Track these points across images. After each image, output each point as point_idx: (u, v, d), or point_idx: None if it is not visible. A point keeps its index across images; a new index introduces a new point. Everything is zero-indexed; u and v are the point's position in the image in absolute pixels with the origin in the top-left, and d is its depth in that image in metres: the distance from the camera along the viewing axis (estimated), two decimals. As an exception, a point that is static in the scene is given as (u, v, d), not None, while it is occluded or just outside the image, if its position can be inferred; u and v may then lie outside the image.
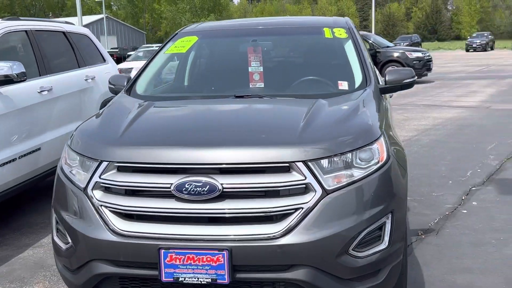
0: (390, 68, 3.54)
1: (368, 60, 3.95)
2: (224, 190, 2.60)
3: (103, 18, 58.60)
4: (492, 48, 51.17)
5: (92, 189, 2.81)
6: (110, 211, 2.75)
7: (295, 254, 2.57)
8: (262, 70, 3.96)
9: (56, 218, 3.05)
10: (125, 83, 4.09)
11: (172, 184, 2.64)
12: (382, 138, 2.90)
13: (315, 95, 3.54)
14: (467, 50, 48.69)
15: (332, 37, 4.13)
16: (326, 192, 2.62)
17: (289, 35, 4.38)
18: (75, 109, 5.78)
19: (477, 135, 8.81)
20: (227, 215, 2.62)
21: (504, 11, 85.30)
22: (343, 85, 3.67)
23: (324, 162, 2.66)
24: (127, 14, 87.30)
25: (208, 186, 2.60)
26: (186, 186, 2.62)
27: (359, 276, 2.69)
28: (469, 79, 20.11)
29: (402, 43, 38.51)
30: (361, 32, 19.91)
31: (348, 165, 2.72)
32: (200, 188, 2.61)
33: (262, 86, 3.87)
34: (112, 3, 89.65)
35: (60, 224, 3.00)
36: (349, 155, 2.73)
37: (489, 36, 52.24)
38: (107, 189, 2.80)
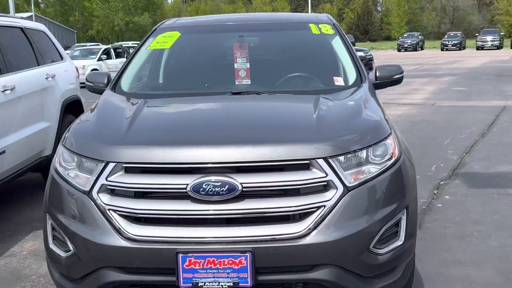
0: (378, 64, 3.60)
1: (357, 56, 3.94)
2: (244, 189, 2.50)
3: (31, 16, 56.38)
4: (422, 48, 53.04)
5: (97, 192, 2.63)
6: (119, 215, 2.59)
7: (319, 254, 2.50)
8: (248, 66, 3.86)
9: (52, 224, 2.84)
10: (105, 81, 3.90)
11: (188, 184, 2.51)
12: (393, 134, 2.89)
13: (313, 91, 3.49)
14: (399, 50, 50.20)
15: (319, 33, 4.09)
16: (347, 189, 2.57)
17: (276, 31, 4.30)
18: (37, 110, 5.47)
19: (430, 130, 9.05)
20: (248, 216, 2.51)
21: (431, 12, 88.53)
22: (339, 81, 3.64)
23: (344, 159, 2.61)
24: (56, 12, 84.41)
25: (227, 186, 2.49)
26: (204, 186, 2.49)
27: (379, 274, 2.65)
28: (407, 77, 20.66)
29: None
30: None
31: (365, 161, 2.68)
32: (219, 188, 2.49)
33: (249, 83, 3.77)
34: (40, 1, 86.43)
35: (57, 231, 2.80)
36: (366, 151, 2.69)
37: (419, 37, 54.11)
38: (114, 192, 2.63)
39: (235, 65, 3.87)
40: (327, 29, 4.12)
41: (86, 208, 2.65)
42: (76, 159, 2.80)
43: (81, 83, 6.16)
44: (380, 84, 3.83)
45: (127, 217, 2.58)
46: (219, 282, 2.50)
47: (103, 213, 2.60)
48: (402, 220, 2.73)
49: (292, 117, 3.03)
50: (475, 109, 11.35)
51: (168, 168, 2.59)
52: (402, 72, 3.88)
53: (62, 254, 2.77)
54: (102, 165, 2.64)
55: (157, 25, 4.39)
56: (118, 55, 25.00)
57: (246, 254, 2.46)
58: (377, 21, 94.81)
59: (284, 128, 2.84)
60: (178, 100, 3.49)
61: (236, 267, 2.48)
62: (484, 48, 47.71)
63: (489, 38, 48.37)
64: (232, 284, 2.49)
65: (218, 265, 2.48)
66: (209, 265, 2.49)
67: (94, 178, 2.65)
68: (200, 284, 2.50)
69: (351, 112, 3.04)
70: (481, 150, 7.45)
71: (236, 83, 3.78)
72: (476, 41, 49.38)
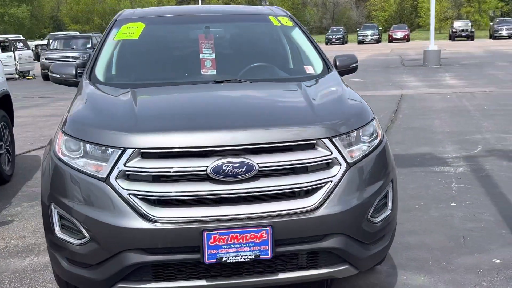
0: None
1: None
2: (260, 169, 2.70)
3: None
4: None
5: (115, 178, 2.71)
6: (139, 199, 2.69)
7: (330, 224, 2.77)
8: (214, 56, 4.02)
9: (60, 213, 2.86)
10: (74, 72, 3.89)
11: (207, 166, 2.67)
12: (375, 116, 3.23)
13: (289, 78, 3.74)
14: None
15: (280, 24, 4.34)
16: (349, 165, 2.85)
17: (238, 22, 4.49)
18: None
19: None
20: (264, 193, 2.72)
21: (313, 7, 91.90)
22: (310, 70, 3.91)
23: (344, 138, 2.90)
24: None
25: (245, 166, 2.68)
26: (224, 168, 2.67)
27: (374, 240, 2.97)
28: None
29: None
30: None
31: (358, 141, 2.98)
32: (238, 169, 2.67)
33: (215, 72, 3.93)
34: None
35: (67, 219, 2.83)
36: (358, 131, 2.99)
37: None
38: (130, 177, 2.72)
39: (201, 55, 4.02)
40: (286, 21, 4.38)
41: (105, 194, 2.72)
42: (83, 147, 2.84)
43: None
44: (340, 72, 4.15)
45: (148, 200, 2.69)
46: (241, 256, 2.68)
47: (123, 198, 2.69)
48: (389, 192, 3.08)
49: (289, 102, 3.27)
50: (377, 98, 12.19)
51: (186, 152, 2.72)
52: (357, 61, 4.23)
53: (75, 241, 2.81)
54: (119, 152, 2.72)
55: (117, 15, 4.40)
56: (4, 49, 23.62)
57: (267, 228, 2.67)
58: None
59: (287, 112, 3.07)
60: (166, 89, 3.58)
61: (257, 240, 2.68)
62: (365, 42, 50.40)
63: (369, 32, 51.13)
64: (253, 257, 2.69)
65: (241, 240, 2.67)
66: (233, 241, 2.67)
67: (111, 164, 2.72)
68: (224, 258, 2.67)
69: (339, 97, 3.32)
70: (395, 134, 8.12)
71: (202, 73, 3.93)
72: (358, 35, 51.97)
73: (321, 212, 2.75)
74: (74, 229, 2.82)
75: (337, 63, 4.14)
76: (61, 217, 2.88)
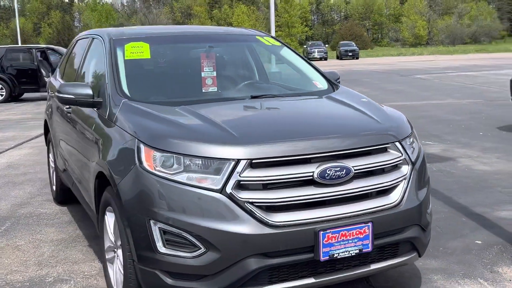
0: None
1: None
2: (354, 172, 3.02)
3: None
4: None
5: (232, 189, 2.82)
6: (256, 206, 2.83)
7: (409, 217, 3.18)
8: (215, 75, 4.21)
9: (163, 229, 2.87)
10: (91, 92, 3.77)
11: (313, 172, 2.91)
12: None
13: (311, 92, 4.07)
14: None
15: (270, 44, 4.65)
16: (413, 165, 3.29)
17: (232, 42, 4.68)
18: None
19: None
20: (360, 193, 3.04)
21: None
22: (319, 85, 4.26)
23: (407, 141, 3.33)
24: None
25: (345, 170, 2.98)
26: (328, 172, 2.93)
27: (428, 229, 3.43)
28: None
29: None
30: (50, 46, 19.36)
31: (412, 144, 3.43)
32: (339, 172, 2.96)
33: (215, 89, 4.13)
34: None
35: (173, 234, 2.85)
36: (411, 135, 3.45)
37: None
38: (243, 187, 2.85)
39: (203, 73, 4.17)
40: (273, 42, 4.70)
41: (222, 205, 2.81)
42: (184, 162, 2.89)
43: None
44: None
45: (261, 207, 2.84)
46: (348, 251, 2.96)
47: (242, 206, 2.81)
48: (429, 190, 3.57)
49: (347, 113, 3.59)
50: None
51: (291, 160, 2.93)
52: (339, 77, 4.70)
53: (186, 254, 2.84)
54: (232, 163, 2.83)
55: (110, 36, 4.28)
56: None
57: (368, 224, 2.98)
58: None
59: (357, 120, 3.40)
60: (218, 105, 3.67)
61: (361, 236, 2.97)
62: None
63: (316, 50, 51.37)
64: (358, 251, 2.98)
65: (348, 236, 2.95)
66: (342, 238, 2.93)
67: (226, 176, 2.82)
68: (335, 255, 2.92)
69: (380, 107, 3.73)
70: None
71: (207, 90, 4.09)
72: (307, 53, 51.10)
73: (402, 206, 3.14)
74: (184, 243, 2.84)
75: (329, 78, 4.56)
76: (164, 232, 2.87)
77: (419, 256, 3.35)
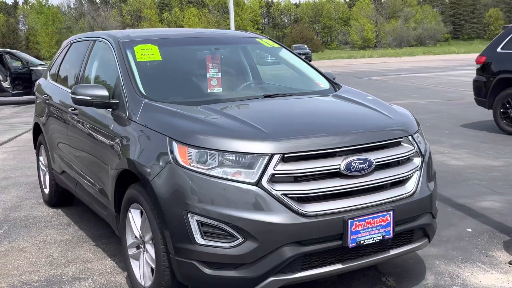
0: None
1: None
2: (376, 164, 3.25)
3: None
4: None
5: (267, 181, 2.99)
6: (289, 197, 3.01)
7: (423, 205, 3.43)
8: (220, 75, 4.38)
9: (200, 221, 3.02)
10: (106, 93, 3.86)
11: (340, 164, 3.12)
12: None
13: (317, 91, 4.28)
14: None
15: (270, 46, 4.84)
16: (423, 157, 3.55)
17: (232, 44, 4.84)
18: None
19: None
20: (382, 183, 3.26)
21: (79, 32, 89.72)
22: (321, 84, 4.47)
23: (417, 135, 3.59)
24: None
25: (367, 162, 3.20)
26: (353, 164, 3.15)
27: (436, 217, 3.69)
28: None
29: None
30: (7, 50, 18.94)
31: (420, 137, 3.68)
32: (363, 165, 3.18)
33: (221, 90, 4.30)
34: None
35: (211, 226, 3.00)
36: (419, 130, 3.70)
37: None
38: (277, 179, 3.03)
39: (208, 74, 4.33)
40: (272, 43, 4.90)
41: (259, 197, 2.98)
42: (218, 157, 3.04)
43: None
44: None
45: (293, 198, 3.03)
46: (373, 238, 3.17)
47: (277, 198, 2.99)
48: (436, 181, 3.82)
49: (359, 110, 3.80)
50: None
51: (320, 153, 3.13)
52: (335, 77, 4.93)
53: (225, 245, 2.99)
54: (267, 158, 3.01)
55: (117, 39, 4.37)
56: None
57: (390, 212, 3.21)
58: (23, 40, 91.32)
59: (371, 117, 3.61)
60: (237, 104, 3.81)
61: (383, 223, 3.20)
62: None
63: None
64: (381, 238, 3.20)
65: (373, 224, 3.16)
66: (367, 225, 3.15)
67: (261, 170, 3.00)
68: (362, 242, 3.14)
69: (388, 104, 3.96)
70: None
71: (213, 90, 4.25)
72: None
73: (417, 196, 3.39)
74: (222, 234, 3.00)
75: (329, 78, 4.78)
76: (202, 224, 3.02)
77: (429, 242, 3.60)
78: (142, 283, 3.54)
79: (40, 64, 18.61)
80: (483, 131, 9.68)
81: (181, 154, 3.13)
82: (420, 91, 17.56)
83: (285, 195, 3.01)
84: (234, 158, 3.05)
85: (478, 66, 9.70)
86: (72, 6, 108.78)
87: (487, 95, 9.48)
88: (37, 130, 6.03)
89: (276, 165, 3.02)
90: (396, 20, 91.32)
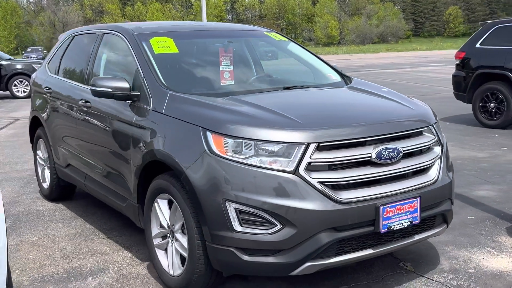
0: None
1: None
2: (403, 152, 3.36)
3: None
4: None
5: (304, 170, 3.07)
6: (325, 185, 3.10)
7: (445, 192, 3.57)
8: (232, 68, 4.43)
9: (238, 209, 3.08)
10: (127, 85, 3.87)
11: (371, 153, 3.23)
12: None
13: (333, 83, 4.38)
14: None
15: (279, 40, 4.92)
16: (443, 146, 3.69)
17: (245, 37, 4.89)
18: None
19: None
20: (410, 171, 3.39)
21: (39, 26, 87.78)
22: (333, 77, 4.57)
23: (436, 126, 3.72)
24: None
25: (396, 151, 3.32)
26: (383, 153, 3.26)
27: (454, 203, 3.83)
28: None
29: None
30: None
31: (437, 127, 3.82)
32: (392, 153, 3.30)
33: (233, 82, 4.36)
34: None
35: (250, 213, 3.06)
36: (437, 122, 3.84)
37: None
38: (312, 168, 3.11)
39: (221, 67, 4.38)
40: (281, 37, 4.97)
41: (297, 185, 3.06)
42: (254, 147, 3.11)
43: None
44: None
45: (328, 185, 3.12)
46: (402, 223, 3.30)
47: (313, 185, 3.08)
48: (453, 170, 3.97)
49: (383, 101, 3.90)
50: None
51: (352, 142, 3.23)
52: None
53: (263, 231, 3.06)
54: (303, 147, 3.09)
55: (131, 31, 4.37)
56: None
57: (417, 198, 3.34)
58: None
59: (394, 108, 3.73)
60: (262, 95, 3.85)
61: (411, 209, 3.32)
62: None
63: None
64: (409, 223, 3.33)
65: (402, 210, 3.28)
66: (397, 212, 3.27)
67: (298, 158, 3.08)
68: (392, 227, 3.25)
69: (405, 96, 4.08)
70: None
71: (225, 83, 4.30)
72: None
73: (439, 183, 3.52)
74: (260, 221, 3.07)
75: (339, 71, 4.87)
76: (240, 212, 3.08)
77: (447, 227, 3.75)
78: (171, 272, 3.58)
79: (10, 59, 18.21)
80: (463, 124, 9.99)
81: (217, 144, 3.18)
82: (393, 87, 17.72)
83: (321, 182, 3.09)
84: (270, 148, 3.12)
85: (458, 62, 9.99)
86: (31, 0, 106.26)
87: (466, 89, 9.77)
88: (34, 124, 5.95)
89: (312, 153, 3.10)
90: (359, 17, 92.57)
